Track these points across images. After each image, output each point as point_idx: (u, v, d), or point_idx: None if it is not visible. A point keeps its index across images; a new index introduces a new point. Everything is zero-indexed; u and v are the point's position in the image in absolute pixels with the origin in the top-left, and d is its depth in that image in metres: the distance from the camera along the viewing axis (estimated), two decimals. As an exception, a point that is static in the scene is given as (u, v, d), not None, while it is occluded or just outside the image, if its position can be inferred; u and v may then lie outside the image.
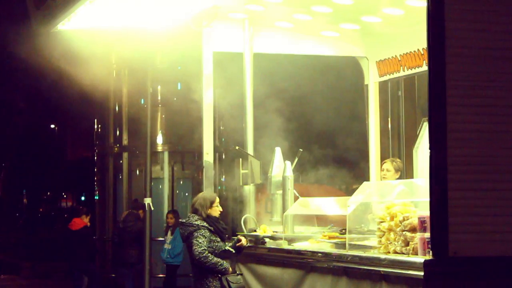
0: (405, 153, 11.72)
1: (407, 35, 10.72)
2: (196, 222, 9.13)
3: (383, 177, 10.16)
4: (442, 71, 6.87)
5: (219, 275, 9.03)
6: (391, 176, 10.07)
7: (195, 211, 9.26)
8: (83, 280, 17.02)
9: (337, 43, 11.72)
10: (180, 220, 9.53)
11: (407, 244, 7.48)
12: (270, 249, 9.58)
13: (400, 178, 10.05)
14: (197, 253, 9.00)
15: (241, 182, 10.87)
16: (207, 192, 9.81)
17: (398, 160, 10.47)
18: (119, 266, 16.98)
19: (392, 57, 11.21)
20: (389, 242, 7.71)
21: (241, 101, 11.16)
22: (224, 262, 9.08)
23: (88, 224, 16.79)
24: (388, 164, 10.17)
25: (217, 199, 9.36)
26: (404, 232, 7.52)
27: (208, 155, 10.75)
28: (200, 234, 9.06)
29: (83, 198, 51.97)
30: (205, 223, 9.13)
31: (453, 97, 6.88)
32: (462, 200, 6.82)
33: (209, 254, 9.02)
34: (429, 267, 6.79)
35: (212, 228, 9.15)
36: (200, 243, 9.02)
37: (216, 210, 9.27)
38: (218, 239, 9.19)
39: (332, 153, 12.72)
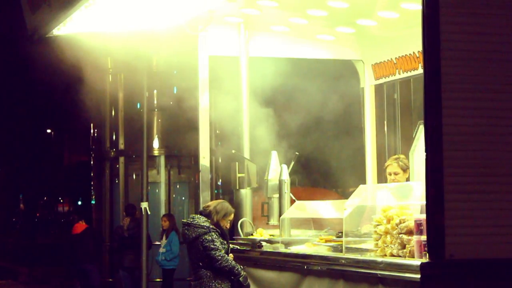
0: (401, 156, 11.70)
1: (402, 38, 10.73)
2: (205, 224, 9.10)
3: (392, 182, 9.19)
4: (437, 74, 6.87)
5: (232, 277, 9.06)
6: (401, 178, 9.24)
7: (207, 214, 9.23)
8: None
9: (333, 47, 11.73)
10: (183, 220, 9.48)
11: (403, 247, 7.47)
12: (267, 252, 9.56)
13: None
14: (220, 257, 9.01)
15: (238, 185, 10.87)
16: (228, 203, 9.60)
17: (402, 156, 9.48)
18: (119, 270, 16.97)
19: (387, 60, 11.23)
20: (385, 245, 7.70)
21: (237, 105, 11.17)
22: (239, 265, 9.14)
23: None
24: (394, 166, 9.25)
25: (232, 215, 9.42)
26: (400, 235, 7.51)
27: (204, 159, 10.74)
28: (214, 238, 9.06)
29: (79, 202, 51.95)
30: (213, 226, 9.15)
31: (449, 100, 6.88)
32: (458, 203, 6.82)
33: (228, 257, 9.05)
34: (426, 269, 6.79)
35: (219, 231, 9.18)
36: (218, 246, 9.04)
37: (225, 223, 9.30)
38: (225, 242, 9.24)
39: (328, 156, 12.71)
